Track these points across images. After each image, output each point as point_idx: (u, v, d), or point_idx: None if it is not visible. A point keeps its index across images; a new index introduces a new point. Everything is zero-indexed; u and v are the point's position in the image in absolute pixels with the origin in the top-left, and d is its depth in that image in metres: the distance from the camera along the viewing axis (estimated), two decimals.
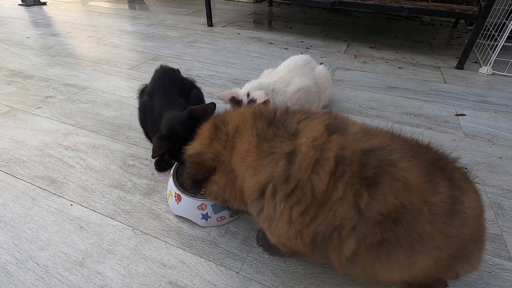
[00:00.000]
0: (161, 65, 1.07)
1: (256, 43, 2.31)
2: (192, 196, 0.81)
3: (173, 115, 0.88)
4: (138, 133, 1.22)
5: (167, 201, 0.92)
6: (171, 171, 0.90)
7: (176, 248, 0.78)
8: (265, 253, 0.78)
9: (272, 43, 2.32)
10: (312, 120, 0.56)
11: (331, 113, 0.58)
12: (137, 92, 1.13)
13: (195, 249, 0.78)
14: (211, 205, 0.81)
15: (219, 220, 0.84)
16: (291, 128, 0.56)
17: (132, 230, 0.83)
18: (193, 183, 0.68)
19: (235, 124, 0.63)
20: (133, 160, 1.08)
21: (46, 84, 1.62)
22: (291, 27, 2.75)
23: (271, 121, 0.59)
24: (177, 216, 0.87)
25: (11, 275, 0.71)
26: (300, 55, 1.26)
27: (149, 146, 1.15)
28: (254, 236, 0.82)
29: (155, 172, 1.03)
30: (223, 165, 0.63)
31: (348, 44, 2.32)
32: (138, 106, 1.10)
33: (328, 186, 0.49)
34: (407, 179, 0.48)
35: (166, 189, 0.92)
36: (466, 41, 1.83)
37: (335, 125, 0.55)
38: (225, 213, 0.83)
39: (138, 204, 0.91)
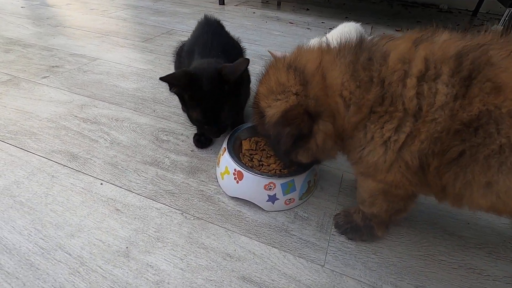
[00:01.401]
0: (205, 15, 0.91)
1: (275, 22, 2.16)
2: (258, 174, 0.66)
3: (205, 64, 0.74)
4: (166, 106, 1.06)
5: (216, 181, 0.77)
6: (224, 145, 0.75)
7: (240, 236, 0.64)
8: (351, 240, 0.64)
9: (292, 23, 2.16)
10: (398, 39, 0.50)
11: (417, 31, 0.51)
12: (173, 52, 0.97)
13: (264, 237, 0.64)
14: (281, 184, 0.66)
15: (287, 203, 0.69)
16: (380, 52, 0.49)
17: (182, 214, 0.68)
18: (295, 142, 0.55)
19: (315, 59, 0.54)
20: (166, 135, 0.92)
21: (50, 54, 1.42)
22: (307, 9, 2.60)
23: (358, 49, 0.51)
24: (232, 198, 0.72)
25: (37, 268, 0.55)
26: (351, 22, 1.13)
27: (182, 120, 0.99)
28: (331, 222, 0.69)
29: (195, 148, 0.88)
30: (325, 108, 0.52)
31: (372, 27, 2.19)
32: (174, 64, 0.95)
33: (418, 94, 0.44)
34: (499, 79, 0.40)
35: (217, 167, 0.77)
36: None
37: (423, 37, 0.48)
38: (294, 194, 0.69)
39: (182, 184, 0.75)
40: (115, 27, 1.83)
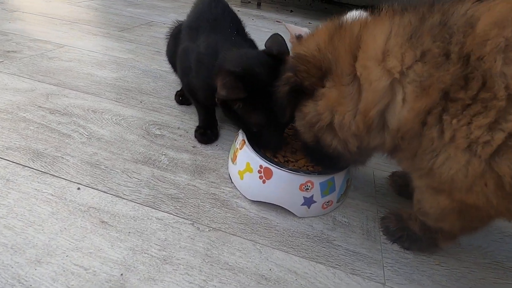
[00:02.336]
0: None
1: (262, 20, 2.06)
2: (293, 171, 0.53)
3: (246, 53, 0.59)
4: (154, 97, 0.89)
5: (230, 182, 0.62)
6: (242, 137, 0.60)
7: (273, 250, 0.49)
8: (407, 250, 0.52)
9: (279, 22, 2.08)
10: (491, 1, 0.36)
11: None
12: (166, 33, 0.81)
13: (303, 251, 0.50)
14: (320, 183, 0.53)
15: (325, 206, 0.56)
16: (462, 16, 0.36)
17: (193, 224, 0.52)
18: (290, 93, 0.46)
19: (363, 20, 0.43)
20: (160, 129, 0.76)
21: (6, 38, 1.18)
22: (291, 11, 2.55)
23: (426, 10, 0.38)
24: (253, 202, 0.57)
25: None
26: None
27: (177, 113, 0.83)
28: (377, 227, 0.56)
29: (197, 144, 0.72)
30: (340, 71, 0.42)
31: None
32: (167, 46, 0.79)
33: None
34: None
35: (232, 165, 0.62)
36: None
37: None
38: (333, 196, 0.56)
39: (187, 187, 0.59)
40: (85, 16, 1.61)
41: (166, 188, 0.58)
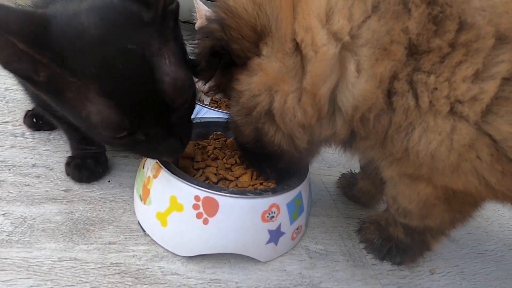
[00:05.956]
0: None
1: None
2: (250, 195, 0.34)
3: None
4: None
5: (142, 236, 0.37)
6: (151, 160, 0.38)
7: None
8: (399, 265, 0.41)
9: None
10: None
11: None
12: None
13: None
14: (287, 204, 0.37)
15: (295, 236, 0.40)
16: None
17: None
18: (210, 64, 0.32)
19: None
20: None
21: None
22: None
23: None
24: (190, 259, 0.35)
25: None
26: None
27: (29, 143, 0.52)
28: (355, 245, 0.44)
29: (73, 185, 0.44)
30: (282, 33, 0.30)
31: None
32: None
33: None
34: None
35: (142, 206, 0.38)
36: None
37: None
38: (302, 218, 0.40)
39: (60, 266, 0.32)
40: None
41: (7, 282, 0.29)
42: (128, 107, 0.27)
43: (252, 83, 0.32)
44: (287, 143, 0.34)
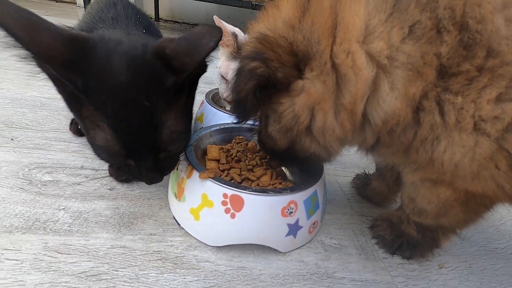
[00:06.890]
0: None
1: None
2: (271, 193, 0.39)
3: (116, 35, 0.35)
4: (37, 132, 0.63)
5: (178, 229, 0.43)
6: (185, 163, 0.43)
7: None
8: (409, 259, 0.45)
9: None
10: None
11: None
12: None
13: None
14: (304, 201, 0.41)
15: (311, 230, 0.44)
16: None
17: None
18: (258, 90, 0.34)
19: None
20: (50, 173, 0.51)
21: None
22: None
23: None
24: (219, 249, 0.41)
25: None
26: None
27: (76, 147, 0.59)
28: (368, 240, 0.47)
29: (116, 184, 0.51)
30: (323, 56, 0.32)
31: None
32: None
33: None
34: None
35: (177, 203, 0.44)
36: None
37: None
38: (318, 214, 0.45)
39: (113, 252, 0.38)
40: None
41: (74, 263, 0.36)
42: (129, 143, 0.32)
43: (295, 104, 0.34)
44: (321, 151, 0.37)
